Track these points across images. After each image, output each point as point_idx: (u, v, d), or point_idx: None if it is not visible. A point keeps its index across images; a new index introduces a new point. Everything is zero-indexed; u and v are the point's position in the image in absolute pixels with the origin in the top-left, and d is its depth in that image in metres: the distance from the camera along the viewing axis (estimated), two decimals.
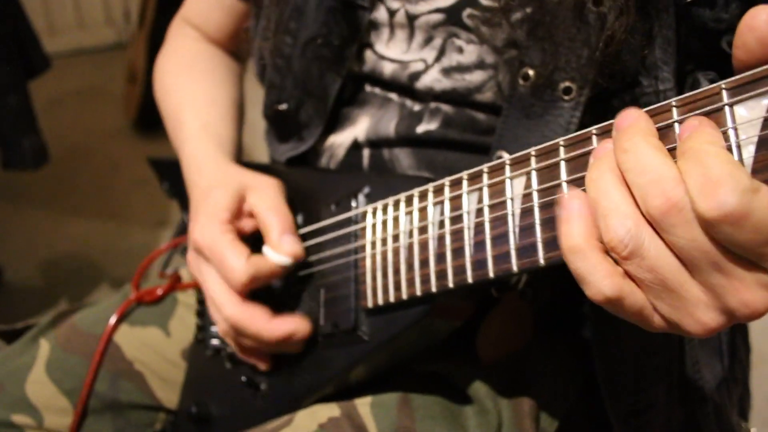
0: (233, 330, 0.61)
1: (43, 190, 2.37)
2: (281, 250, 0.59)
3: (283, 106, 0.69)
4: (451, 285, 0.47)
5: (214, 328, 0.72)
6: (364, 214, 0.57)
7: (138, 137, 2.76)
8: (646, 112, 0.36)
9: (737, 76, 0.33)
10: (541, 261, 0.41)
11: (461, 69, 0.58)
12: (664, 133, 0.36)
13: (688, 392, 0.64)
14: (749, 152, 0.32)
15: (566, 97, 0.52)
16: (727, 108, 0.33)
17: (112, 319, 0.76)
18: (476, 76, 0.58)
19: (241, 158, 0.77)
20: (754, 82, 0.33)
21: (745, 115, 0.33)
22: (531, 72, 0.52)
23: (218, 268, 0.61)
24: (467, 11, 0.57)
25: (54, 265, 2.09)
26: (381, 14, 0.62)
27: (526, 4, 0.52)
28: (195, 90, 0.81)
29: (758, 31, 0.32)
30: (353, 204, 0.58)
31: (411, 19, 0.60)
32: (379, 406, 0.57)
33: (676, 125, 0.35)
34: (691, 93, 0.35)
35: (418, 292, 0.50)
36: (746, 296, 0.32)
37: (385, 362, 0.59)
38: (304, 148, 0.70)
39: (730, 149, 0.33)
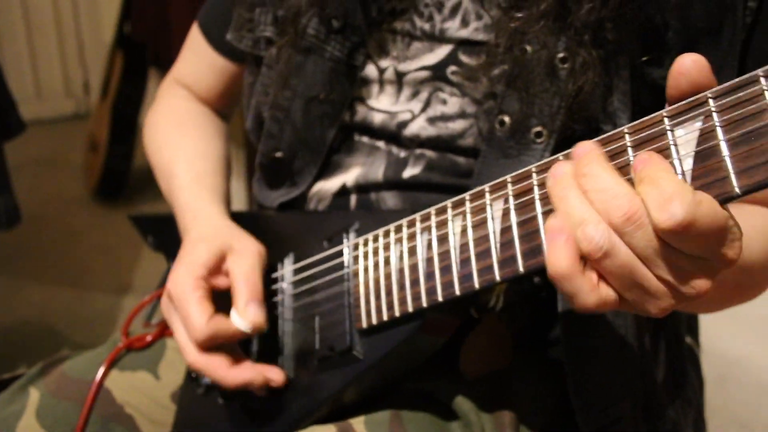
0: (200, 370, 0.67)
1: (0, 255, 2.35)
2: (245, 317, 0.64)
3: (279, 154, 0.74)
4: (440, 299, 0.53)
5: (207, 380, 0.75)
6: (356, 245, 0.62)
7: (97, 206, 2.77)
8: (606, 136, 0.44)
9: (674, 105, 0.41)
10: (521, 269, 0.47)
11: (445, 118, 0.65)
12: (620, 154, 0.43)
13: (650, 409, 0.70)
14: (689, 164, 0.40)
15: (538, 140, 0.59)
16: (668, 131, 0.41)
17: (103, 366, 0.78)
18: (458, 124, 0.65)
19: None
20: (688, 109, 0.41)
21: (683, 135, 0.40)
22: (507, 119, 0.60)
23: (183, 321, 0.65)
24: (451, 68, 0.64)
25: (13, 330, 2.06)
26: (371, 72, 0.69)
27: (504, 62, 0.60)
28: (186, 145, 0.86)
29: (687, 75, 0.41)
30: (344, 238, 0.64)
31: (400, 76, 0.67)
32: (372, 423, 0.61)
33: (629, 148, 0.43)
34: (639, 120, 0.43)
35: (410, 309, 0.55)
36: (693, 282, 0.40)
37: (380, 380, 0.63)
38: (296, 193, 0.75)
39: (673, 164, 0.40)
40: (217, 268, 0.68)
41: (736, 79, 0.39)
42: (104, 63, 2.79)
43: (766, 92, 0.38)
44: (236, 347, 0.68)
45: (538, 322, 0.70)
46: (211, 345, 0.64)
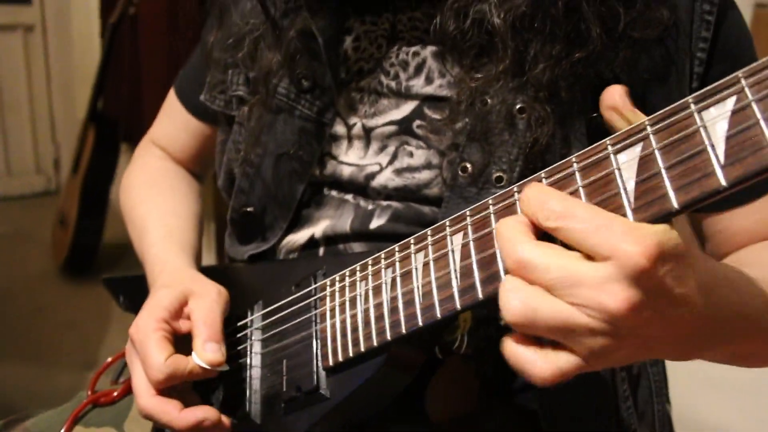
0: (148, 419, 0.65)
1: None
2: (202, 355, 0.64)
3: (250, 209, 0.76)
4: (404, 331, 0.54)
5: None
6: (323, 286, 0.63)
7: (64, 281, 2.73)
8: (556, 166, 0.47)
9: (616, 134, 0.44)
10: (480, 296, 0.49)
11: (411, 169, 0.68)
12: (569, 179, 0.46)
13: None
14: (631, 186, 0.43)
15: (498, 185, 0.62)
16: (612, 156, 0.44)
17: (67, 422, 0.77)
18: (424, 175, 0.67)
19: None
20: (629, 137, 0.44)
21: (625, 160, 0.43)
22: (469, 166, 0.63)
23: (142, 361, 0.65)
24: (417, 122, 0.68)
25: None
26: (340, 129, 0.72)
27: (466, 116, 0.63)
28: (159, 202, 0.88)
29: (619, 107, 0.44)
30: (312, 282, 0.65)
31: (368, 131, 0.70)
32: None
33: (577, 173, 0.46)
34: (585, 149, 0.46)
35: (375, 343, 0.56)
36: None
37: (347, 420, 0.62)
38: (265, 247, 0.77)
39: (617, 186, 0.43)
40: (179, 311, 0.69)
41: (671, 106, 0.42)
42: (76, 139, 2.81)
43: (695, 115, 0.41)
44: (191, 392, 0.68)
45: (506, 368, 0.70)
46: (169, 384, 0.63)
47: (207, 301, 0.68)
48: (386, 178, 0.69)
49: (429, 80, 0.67)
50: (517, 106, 0.61)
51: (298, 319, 0.65)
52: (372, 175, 0.70)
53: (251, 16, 0.76)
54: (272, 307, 0.68)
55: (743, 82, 0.40)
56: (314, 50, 0.70)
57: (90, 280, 2.67)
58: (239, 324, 0.72)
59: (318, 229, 0.73)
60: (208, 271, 0.77)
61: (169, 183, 0.92)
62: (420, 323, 0.53)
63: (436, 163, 0.66)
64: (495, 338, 0.68)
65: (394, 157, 0.69)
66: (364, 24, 0.70)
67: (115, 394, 0.81)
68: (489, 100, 0.62)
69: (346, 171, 0.72)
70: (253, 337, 0.70)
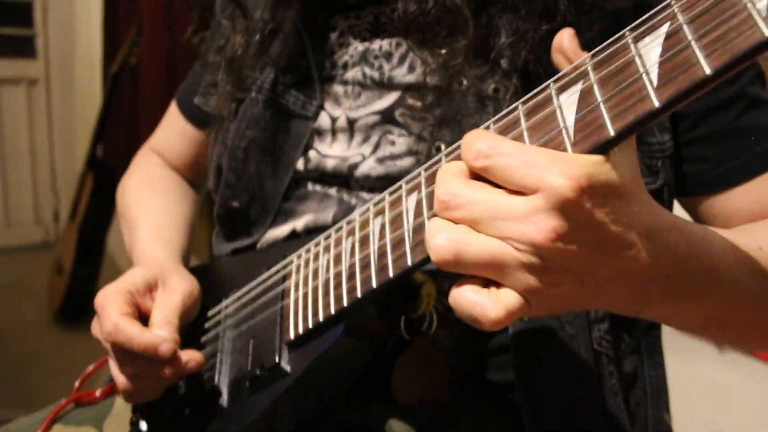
0: (112, 345, 0.64)
1: None
2: (152, 336, 0.64)
3: (236, 204, 0.77)
4: (359, 294, 0.53)
5: (144, 426, 0.73)
6: (289, 262, 0.63)
7: (58, 328, 2.71)
8: (505, 112, 0.47)
9: (559, 74, 0.45)
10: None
11: (393, 157, 0.69)
12: (514, 125, 0.46)
13: None
14: (571, 121, 0.43)
15: None
16: (554, 95, 0.45)
17: (46, 420, 0.76)
18: (406, 161, 0.68)
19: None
20: (570, 75, 0.45)
21: (567, 98, 0.44)
22: (443, 145, 0.64)
23: (99, 317, 0.66)
24: (399, 110, 0.69)
25: None
26: (324, 121, 0.73)
27: (441, 101, 0.64)
28: (153, 204, 0.90)
29: (566, 50, 0.45)
30: (280, 260, 0.65)
31: (351, 123, 0.71)
32: None
33: (522, 117, 0.46)
34: (531, 93, 0.46)
35: (333, 311, 0.55)
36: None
37: (309, 394, 0.61)
38: (249, 242, 0.77)
39: (558, 123, 0.43)
40: (145, 292, 0.69)
41: (609, 40, 0.43)
42: (75, 187, 2.84)
43: (631, 45, 0.42)
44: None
45: (480, 352, 0.69)
46: (120, 343, 0.63)
47: (175, 296, 0.69)
48: (369, 167, 0.70)
49: (411, 69, 0.69)
50: (490, 89, 0.62)
51: (265, 298, 0.64)
52: (355, 165, 0.70)
53: (238, 16, 0.78)
54: (244, 290, 0.68)
55: (675, 7, 0.41)
56: (300, 47, 0.72)
57: (84, 327, 2.64)
58: (213, 311, 0.72)
59: (300, 222, 0.74)
60: (192, 271, 0.77)
61: (164, 187, 0.94)
62: (374, 285, 0.52)
63: (417, 149, 0.67)
64: (477, 331, 0.67)
65: (376, 147, 0.70)
66: (348, 19, 0.72)
67: (98, 394, 0.80)
68: (464, 82, 0.63)
69: (330, 163, 0.72)
70: (226, 323, 0.69)
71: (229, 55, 0.77)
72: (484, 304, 0.41)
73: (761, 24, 0.37)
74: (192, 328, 0.73)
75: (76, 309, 2.71)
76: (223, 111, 0.80)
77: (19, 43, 3.54)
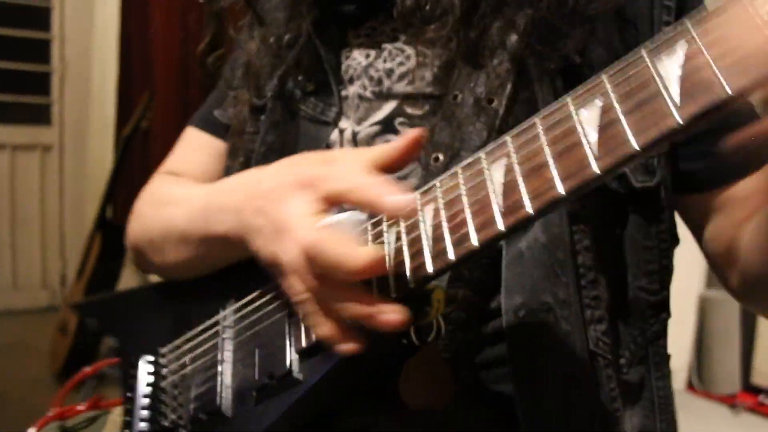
0: (307, 262, 0.52)
1: None
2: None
3: None
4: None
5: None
6: None
7: (60, 387, 2.67)
8: (522, 125, 0.49)
9: (580, 91, 0.47)
10: (452, 257, 0.49)
11: None
12: (533, 139, 0.48)
13: None
14: (594, 137, 0.44)
15: None
16: (573, 112, 0.46)
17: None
18: (405, 170, 0.67)
19: None
20: (588, 91, 0.46)
21: (587, 114, 0.46)
22: (441, 156, 0.65)
23: (350, 192, 0.54)
24: (398, 119, 0.71)
25: None
26: (333, 135, 0.74)
27: (438, 109, 0.67)
28: (192, 185, 0.81)
29: None
30: None
31: (354, 136, 0.73)
32: None
33: (540, 131, 0.47)
34: (547, 108, 0.48)
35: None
36: None
37: (320, 403, 0.60)
38: None
39: (580, 139, 0.45)
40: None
41: (624, 57, 0.45)
42: (83, 247, 2.86)
43: (648, 63, 0.44)
44: None
45: (482, 372, 0.69)
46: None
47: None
48: None
49: (411, 83, 0.71)
50: (485, 99, 0.64)
51: (271, 306, 0.64)
52: None
53: (255, 24, 0.81)
54: (244, 301, 0.68)
55: (692, 30, 0.43)
56: (316, 55, 0.75)
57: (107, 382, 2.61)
58: (210, 322, 0.71)
59: None
60: (178, 284, 0.77)
61: (187, 181, 0.87)
62: (393, 294, 0.52)
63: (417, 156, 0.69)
64: (474, 344, 0.67)
65: None
66: (356, 34, 0.76)
67: (80, 407, 0.79)
68: (459, 94, 0.65)
69: None
70: (224, 335, 0.68)
71: (245, 61, 0.79)
72: None
73: None
74: (188, 339, 0.72)
75: (79, 369, 2.67)
76: (240, 118, 0.81)
77: (36, 111, 3.63)
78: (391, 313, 0.50)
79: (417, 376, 0.63)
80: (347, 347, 0.53)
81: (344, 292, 0.52)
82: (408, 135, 0.55)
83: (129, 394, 0.74)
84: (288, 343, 0.60)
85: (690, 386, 3.15)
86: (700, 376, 3.16)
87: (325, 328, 0.53)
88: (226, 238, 0.64)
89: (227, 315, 0.69)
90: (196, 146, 0.90)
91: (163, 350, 0.74)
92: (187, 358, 0.71)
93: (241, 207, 0.62)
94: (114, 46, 3.30)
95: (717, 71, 0.41)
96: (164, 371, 0.73)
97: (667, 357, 0.74)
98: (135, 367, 0.75)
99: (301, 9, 0.76)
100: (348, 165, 0.56)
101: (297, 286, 0.54)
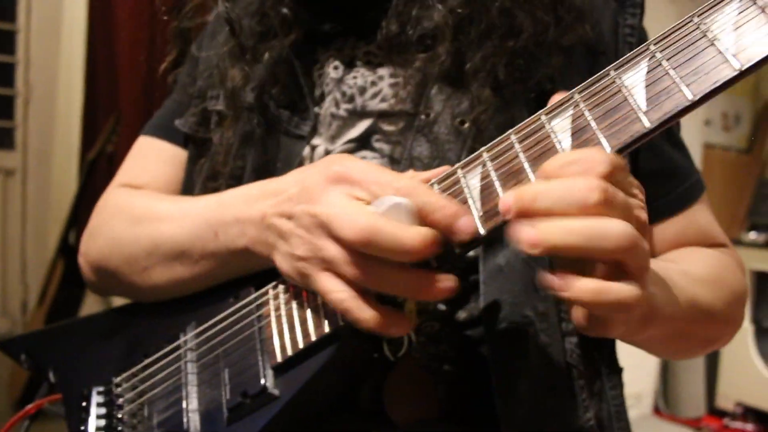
0: (363, 243, 0.51)
1: None
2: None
3: None
4: None
5: None
6: (265, 292, 0.63)
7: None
8: (497, 140, 0.50)
9: (549, 106, 0.49)
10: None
11: None
12: (509, 151, 0.49)
13: None
14: (567, 142, 0.46)
15: None
16: (546, 123, 0.48)
17: None
18: None
19: None
20: (560, 105, 0.48)
21: (558, 122, 0.47)
22: (412, 171, 0.66)
23: (369, 182, 0.55)
24: (375, 137, 0.72)
25: None
26: (306, 150, 0.75)
27: (413, 125, 0.68)
28: (178, 201, 0.76)
29: None
30: (252, 291, 0.64)
31: (328, 153, 0.73)
32: None
33: (515, 143, 0.49)
34: (521, 123, 0.50)
35: (326, 329, 0.55)
36: None
37: (297, 417, 0.59)
38: None
39: (555, 145, 0.46)
40: None
41: (593, 77, 0.47)
42: (45, 272, 2.79)
43: (615, 78, 0.46)
44: None
45: (460, 383, 0.69)
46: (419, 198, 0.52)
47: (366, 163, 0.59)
48: None
49: (384, 100, 0.72)
50: (458, 120, 0.66)
51: (238, 326, 0.63)
52: None
53: (227, 43, 0.80)
54: (208, 324, 0.67)
55: (653, 47, 0.45)
56: (291, 70, 0.76)
57: (41, 420, 2.52)
58: (171, 347, 0.70)
59: None
60: (137, 306, 0.75)
61: (162, 195, 0.82)
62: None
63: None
64: (446, 355, 0.68)
65: None
66: (327, 50, 0.77)
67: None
68: (432, 112, 0.67)
69: None
70: (187, 358, 0.67)
71: (214, 71, 0.79)
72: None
73: (732, 62, 0.42)
74: (146, 366, 0.71)
75: (33, 400, 2.59)
76: (208, 132, 0.80)
77: None
78: (446, 281, 0.51)
79: (399, 390, 0.63)
80: (396, 329, 0.53)
81: (394, 272, 0.52)
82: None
83: (82, 428, 0.71)
84: (261, 359, 0.60)
85: (656, 410, 3.19)
86: (666, 400, 3.20)
87: (368, 315, 0.52)
88: (245, 250, 0.63)
89: (188, 339, 0.68)
90: (154, 156, 0.86)
91: (117, 380, 0.73)
92: (145, 386, 0.70)
93: (262, 215, 0.61)
94: (80, 69, 3.27)
95: (677, 79, 0.43)
96: (120, 401, 0.71)
97: (619, 369, 0.76)
98: (86, 400, 0.73)
99: (279, 26, 0.76)
100: (365, 163, 0.57)
101: (331, 283, 0.54)
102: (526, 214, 0.43)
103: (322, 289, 0.54)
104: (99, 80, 3.20)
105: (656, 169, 0.73)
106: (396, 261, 0.51)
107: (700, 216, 0.76)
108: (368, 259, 0.51)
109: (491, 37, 0.67)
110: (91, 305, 2.89)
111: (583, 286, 0.43)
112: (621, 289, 0.43)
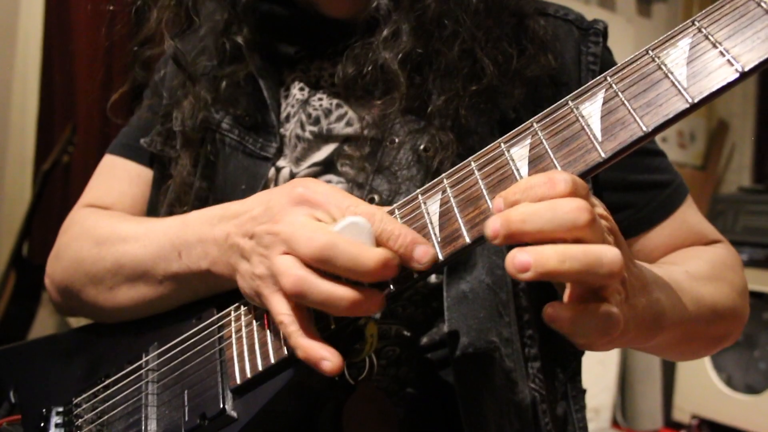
0: (321, 260, 0.51)
1: None
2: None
3: None
4: None
5: None
6: (227, 313, 0.62)
7: None
8: (457, 167, 0.50)
9: (511, 134, 0.49)
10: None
11: None
12: (468, 176, 0.49)
13: None
14: (525, 170, 0.47)
15: None
16: (505, 151, 0.48)
17: None
18: None
19: None
20: (519, 133, 0.48)
21: (517, 150, 0.47)
22: (376, 197, 0.67)
23: (330, 205, 0.55)
24: (340, 161, 0.72)
25: None
26: (271, 172, 0.74)
27: (377, 152, 0.68)
28: (144, 222, 0.75)
29: None
30: (215, 312, 0.64)
31: (293, 175, 0.73)
32: None
33: (475, 170, 0.49)
34: (481, 150, 0.50)
35: (286, 352, 0.55)
36: None
37: None
38: None
39: (513, 173, 0.47)
40: None
41: (551, 107, 0.48)
42: None
43: (573, 108, 0.46)
44: None
45: (421, 408, 0.69)
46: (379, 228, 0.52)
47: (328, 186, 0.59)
48: None
49: (349, 124, 0.72)
50: (422, 146, 0.66)
51: (200, 347, 0.63)
52: None
53: (199, 59, 0.79)
54: (170, 344, 0.66)
55: (609, 79, 0.46)
56: (257, 92, 0.75)
57: None
58: (132, 367, 0.69)
59: None
60: (101, 327, 0.73)
61: (126, 215, 0.81)
62: (332, 325, 0.53)
63: (355, 195, 0.69)
64: (407, 378, 0.67)
65: None
66: (292, 72, 0.76)
67: None
68: (397, 139, 0.67)
69: None
70: (148, 378, 0.66)
71: (177, 91, 0.78)
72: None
73: (685, 95, 0.42)
74: (107, 386, 0.69)
75: None
76: (174, 151, 0.79)
77: None
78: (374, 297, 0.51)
79: (359, 413, 0.62)
80: (331, 365, 0.52)
81: (335, 290, 0.51)
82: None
83: None
84: (220, 381, 0.59)
85: (615, 423, 3.23)
86: (624, 413, 3.24)
87: (302, 344, 0.52)
88: (207, 272, 0.62)
89: (150, 359, 0.67)
90: (120, 175, 0.86)
91: (77, 400, 0.71)
92: (105, 406, 0.68)
93: (225, 235, 0.60)
94: (35, 78, 3.20)
95: (632, 111, 0.44)
96: (79, 422, 0.70)
97: (583, 391, 0.77)
98: (44, 420, 0.71)
99: (236, 54, 0.76)
100: (329, 187, 0.57)
101: (280, 306, 0.53)
102: (515, 237, 0.42)
103: (272, 310, 0.54)
104: (55, 89, 3.13)
105: (639, 180, 0.75)
106: (352, 280, 0.51)
107: (688, 217, 0.77)
108: (309, 274, 0.51)
109: (453, 79, 0.67)
110: (44, 319, 2.80)
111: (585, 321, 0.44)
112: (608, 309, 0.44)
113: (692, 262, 0.70)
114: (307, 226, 0.53)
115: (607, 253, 0.42)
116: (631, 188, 0.74)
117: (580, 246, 0.42)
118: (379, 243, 0.51)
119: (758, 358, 2.99)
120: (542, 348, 0.68)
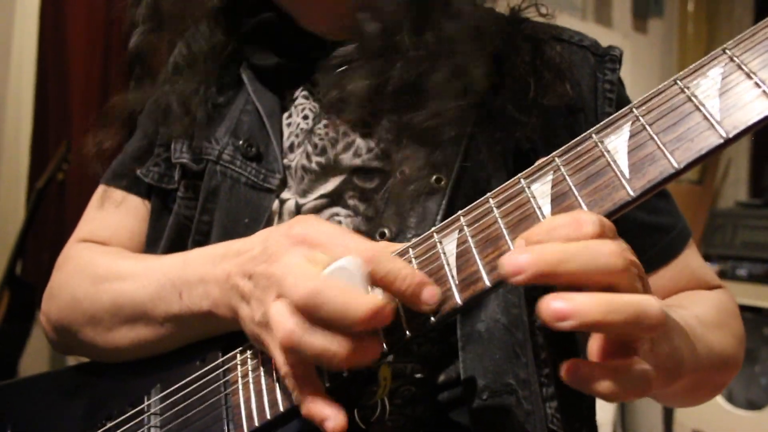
0: (308, 307, 0.48)
1: None
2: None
3: None
4: (326, 383, 0.50)
5: None
6: (233, 356, 0.60)
7: None
8: (475, 204, 0.48)
9: (532, 169, 0.47)
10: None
11: None
12: (487, 213, 0.47)
13: None
14: (547, 209, 0.44)
15: None
16: (526, 188, 0.46)
17: None
18: None
19: None
20: (540, 168, 0.46)
21: (539, 187, 0.45)
22: (386, 231, 0.65)
23: (332, 245, 0.52)
24: (349, 193, 0.69)
25: None
26: (275, 204, 0.72)
27: (387, 182, 0.66)
28: (142, 260, 0.72)
29: None
30: (219, 355, 0.61)
31: (298, 207, 0.70)
32: None
33: (494, 208, 0.47)
34: (500, 186, 0.47)
35: (296, 402, 0.52)
36: None
37: None
38: None
39: (534, 210, 0.44)
40: None
41: (574, 140, 0.45)
42: None
43: (597, 142, 0.44)
44: None
45: None
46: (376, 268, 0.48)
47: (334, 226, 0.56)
48: None
49: (357, 155, 0.69)
50: (434, 177, 0.64)
51: (204, 392, 0.60)
52: None
53: (189, 88, 0.77)
54: (173, 388, 0.63)
55: (635, 111, 0.44)
56: (258, 120, 0.73)
57: None
58: (134, 411, 0.66)
59: None
60: (97, 366, 0.70)
61: (129, 253, 0.78)
62: (344, 374, 0.50)
63: (364, 229, 0.67)
64: (423, 418, 0.65)
65: None
66: (295, 99, 0.74)
67: None
68: (407, 170, 0.65)
69: None
70: (151, 423, 0.63)
71: (180, 125, 0.75)
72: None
73: (718, 129, 0.40)
74: (108, 429, 0.66)
75: None
76: (169, 186, 0.77)
77: None
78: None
79: None
80: (333, 425, 0.48)
81: (329, 343, 0.47)
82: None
83: None
84: (227, 428, 0.56)
85: None
86: (625, 429, 3.22)
87: (302, 401, 0.49)
88: (209, 313, 0.60)
89: (153, 403, 0.64)
90: (115, 208, 0.83)
91: None
92: None
93: (226, 275, 0.57)
94: (30, 94, 3.17)
95: (662, 146, 0.42)
96: None
97: (596, 428, 0.75)
98: None
99: (240, 75, 0.74)
100: (331, 226, 0.55)
101: (281, 357, 0.50)
102: (544, 276, 0.39)
103: (274, 360, 0.51)
104: (49, 105, 3.11)
105: (645, 222, 0.74)
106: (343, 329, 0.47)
107: (691, 261, 0.76)
108: (300, 327, 0.48)
109: (462, 101, 0.65)
110: (38, 339, 2.76)
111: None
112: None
113: (699, 306, 0.69)
114: (297, 268, 0.50)
115: (651, 306, 0.40)
116: (635, 229, 0.72)
117: (623, 296, 0.39)
118: (383, 285, 0.48)
119: (759, 374, 2.97)
120: (558, 386, 0.66)
